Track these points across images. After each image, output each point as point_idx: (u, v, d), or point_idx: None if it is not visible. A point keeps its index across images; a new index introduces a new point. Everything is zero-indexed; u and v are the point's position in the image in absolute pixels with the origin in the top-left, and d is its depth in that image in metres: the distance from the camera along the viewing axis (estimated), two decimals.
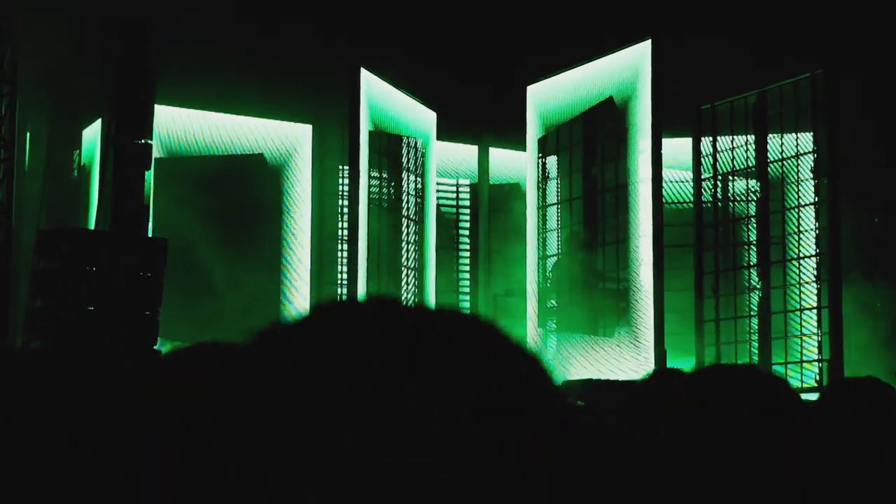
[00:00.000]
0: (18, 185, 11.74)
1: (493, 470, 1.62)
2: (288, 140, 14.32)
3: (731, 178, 13.36)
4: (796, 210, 12.62)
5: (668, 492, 2.02)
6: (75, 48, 12.23)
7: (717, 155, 13.36)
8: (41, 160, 13.59)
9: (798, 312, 12.47)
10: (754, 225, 13.09)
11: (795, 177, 12.67)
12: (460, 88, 14.17)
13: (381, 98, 13.19)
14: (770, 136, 12.93)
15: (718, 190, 13.36)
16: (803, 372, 12.28)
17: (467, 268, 15.40)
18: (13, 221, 11.34)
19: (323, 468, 1.72)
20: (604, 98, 13.24)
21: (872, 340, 12.68)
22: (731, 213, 13.40)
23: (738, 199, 13.37)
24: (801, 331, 12.43)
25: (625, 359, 12.62)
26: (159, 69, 11.75)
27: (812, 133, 12.48)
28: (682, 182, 14.24)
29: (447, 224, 15.27)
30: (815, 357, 12.19)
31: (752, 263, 13.03)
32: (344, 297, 13.78)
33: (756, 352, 12.77)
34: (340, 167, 14.25)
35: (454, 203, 15.43)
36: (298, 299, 14.18)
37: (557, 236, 13.84)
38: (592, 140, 13.52)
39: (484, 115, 14.85)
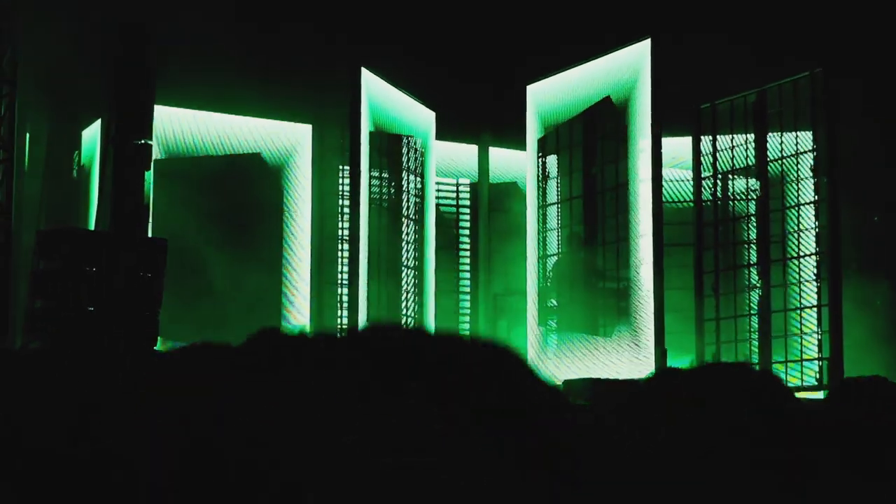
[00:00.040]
0: (18, 185, 11.73)
1: (493, 470, 1.62)
2: (288, 140, 14.31)
3: (730, 176, 13.35)
4: (796, 209, 12.61)
5: (668, 492, 2.02)
6: (75, 48, 12.23)
7: (717, 154, 13.35)
8: (41, 160, 13.58)
9: (798, 311, 12.47)
10: (754, 223, 13.08)
11: (795, 175, 12.66)
12: (460, 88, 14.17)
13: (381, 98, 13.19)
14: (770, 134, 12.92)
15: (718, 189, 13.35)
16: (803, 370, 12.28)
17: (468, 267, 15.39)
18: (13, 222, 11.33)
19: (323, 468, 1.72)
20: (603, 97, 13.23)
21: (871, 337, 12.68)
22: (730, 212, 13.39)
23: (737, 197, 13.36)
24: (800, 329, 12.42)
25: (625, 357, 12.61)
26: (159, 69, 11.73)
27: (811, 132, 12.47)
28: (682, 181, 14.22)
29: (447, 224, 15.26)
30: (815, 355, 12.19)
31: (751, 262, 13.02)
32: (345, 297, 13.78)
33: (756, 350, 12.76)
34: (340, 167, 14.24)
35: (454, 203, 15.42)
36: (298, 299, 14.17)
37: (557, 235, 13.83)
38: (592, 139, 13.51)
39: (484, 114, 14.84)
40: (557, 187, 13.89)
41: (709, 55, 12.96)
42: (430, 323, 14.13)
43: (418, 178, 14.05)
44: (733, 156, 13.24)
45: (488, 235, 15.34)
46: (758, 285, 12.86)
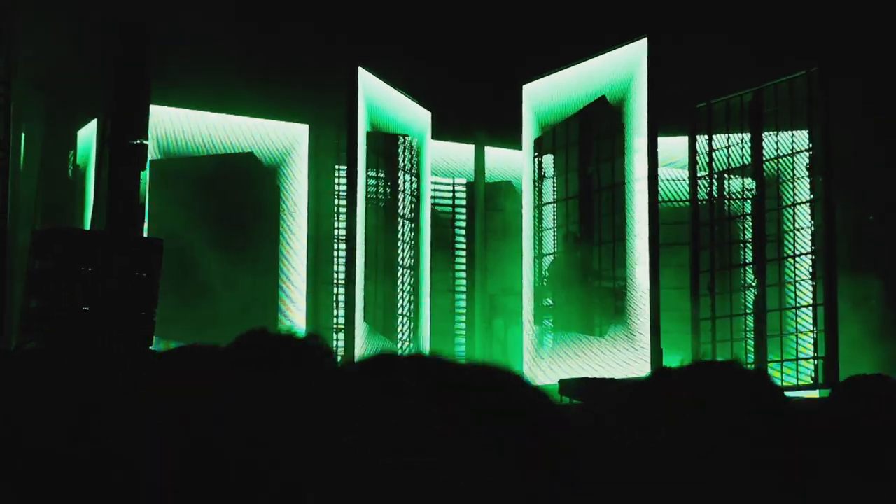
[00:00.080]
0: (13, 185, 11.72)
1: (493, 470, 1.62)
2: (284, 140, 14.31)
3: (726, 176, 13.37)
4: (792, 208, 12.64)
5: (668, 492, 2.02)
6: (71, 48, 12.22)
7: (713, 153, 13.37)
8: (36, 160, 13.58)
9: (793, 310, 12.49)
10: (750, 223, 13.10)
11: (791, 174, 12.68)
12: (456, 87, 14.17)
13: (377, 97, 13.19)
14: (765, 133, 12.94)
15: (714, 188, 13.37)
16: (799, 369, 12.30)
17: (464, 266, 15.41)
18: (8, 222, 11.32)
19: (323, 468, 1.72)
20: (599, 97, 13.24)
21: (866, 336, 12.71)
22: (726, 212, 13.41)
23: (733, 197, 13.38)
24: (796, 328, 12.45)
25: (621, 357, 12.62)
26: (155, 69, 11.73)
27: (807, 131, 12.49)
28: (678, 180, 14.24)
29: (443, 223, 15.27)
30: (811, 354, 12.21)
31: (747, 261, 13.04)
32: (341, 297, 13.79)
33: (752, 350, 12.78)
34: (337, 167, 14.25)
35: (450, 202, 15.43)
36: (295, 298, 14.17)
37: (554, 235, 13.84)
38: (588, 139, 13.53)
39: (480, 114, 14.85)
40: (553, 187, 13.90)
41: (706, 55, 12.98)
42: (427, 323, 14.14)
43: (414, 178, 14.06)
44: (729, 155, 13.26)
45: (484, 235, 15.35)
46: (753, 284, 12.88)
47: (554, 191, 13.89)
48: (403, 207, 13.85)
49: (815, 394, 12.11)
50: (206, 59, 12.90)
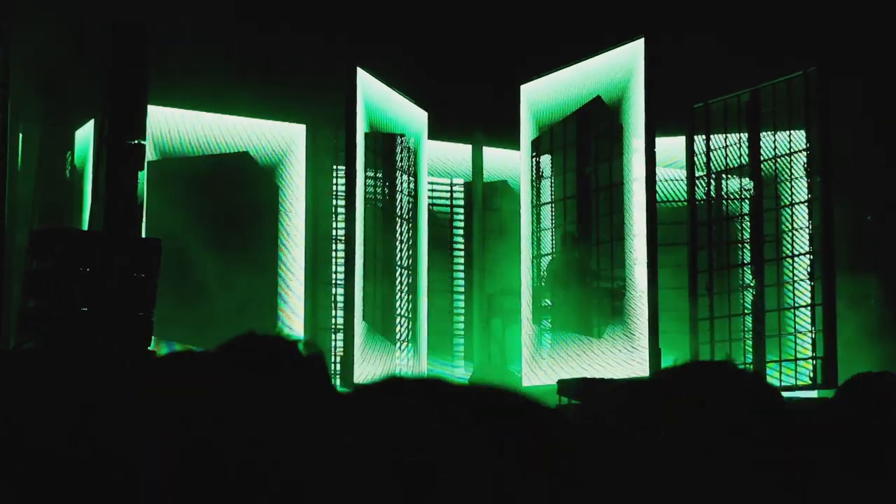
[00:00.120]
0: (11, 185, 11.72)
1: (493, 470, 1.62)
2: (282, 140, 14.31)
3: (724, 176, 13.38)
4: (790, 208, 12.64)
5: (668, 492, 2.02)
6: (68, 48, 12.21)
7: (711, 153, 13.37)
8: (34, 160, 13.58)
9: (792, 310, 12.50)
10: (748, 223, 13.11)
11: (789, 174, 12.69)
12: (454, 87, 14.17)
13: (375, 98, 13.19)
14: (763, 133, 12.95)
15: (712, 188, 13.37)
16: (797, 369, 12.31)
17: (462, 267, 15.41)
18: (6, 222, 11.32)
19: (323, 468, 1.72)
20: (597, 97, 13.25)
21: (865, 336, 12.72)
22: (724, 211, 13.42)
23: (731, 197, 13.39)
24: (794, 328, 12.45)
25: (620, 357, 12.63)
26: (153, 69, 11.72)
27: (805, 131, 12.50)
28: (676, 180, 14.25)
29: (441, 223, 15.27)
30: (809, 355, 12.22)
31: (745, 261, 13.04)
32: (339, 297, 13.79)
33: (750, 350, 12.79)
34: (335, 167, 14.25)
35: (448, 202, 15.44)
36: (293, 299, 14.17)
37: (552, 235, 13.84)
38: (586, 139, 13.53)
39: (478, 114, 14.85)
40: (551, 187, 13.91)
41: (704, 54, 12.98)
42: (425, 323, 14.14)
43: (411, 178, 14.06)
44: (727, 155, 13.26)
45: (482, 235, 15.36)
46: (752, 284, 12.88)
47: (552, 191, 13.90)
48: (401, 208, 13.85)
49: (813, 394, 12.12)
50: (204, 59, 12.89)
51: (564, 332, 13.40)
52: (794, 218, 12.60)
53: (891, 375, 3.09)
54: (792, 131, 12.65)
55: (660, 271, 12.52)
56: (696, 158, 13.47)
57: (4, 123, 11.26)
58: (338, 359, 13.38)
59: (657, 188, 12.86)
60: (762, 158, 12.93)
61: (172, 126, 13.63)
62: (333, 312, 14.01)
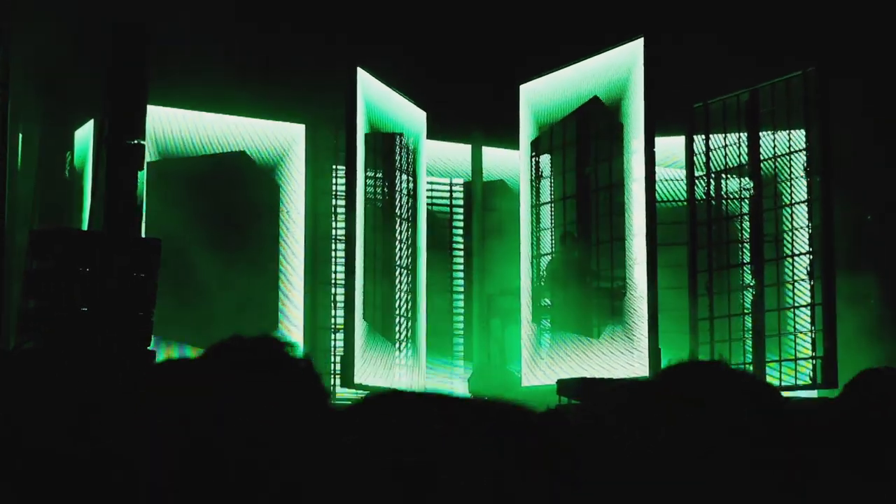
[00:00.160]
0: (11, 185, 11.72)
1: (493, 470, 1.62)
2: (281, 140, 14.31)
3: (724, 175, 13.38)
4: (789, 207, 12.64)
5: (668, 492, 2.02)
6: (68, 48, 12.21)
7: (710, 153, 13.37)
8: (34, 160, 13.57)
9: (792, 310, 12.50)
10: (748, 223, 13.11)
11: (788, 174, 12.69)
12: (454, 87, 14.17)
13: (374, 98, 13.19)
14: (762, 133, 12.95)
15: (711, 188, 13.37)
16: (797, 369, 12.31)
17: (461, 267, 15.41)
18: (6, 222, 11.32)
19: (323, 468, 1.72)
20: (596, 97, 13.25)
21: (864, 335, 12.72)
22: (724, 211, 13.41)
23: (731, 196, 13.39)
24: (794, 328, 12.45)
25: (619, 357, 12.63)
26: (152, 69, 11.71)
27: (804, 130, 12.50)
28: (676, 180, 14.25)
29: (441, 223, 15.27)
30: (809, 354, 12.22)
31: (745, 261, 13.04)
32: (339, 297, 13.79)
33: (750, 350, 12.79)
34: (334, 167, 14.25)
35: (447, 202, 15.44)
36: (293, 299, 14.17)
37: (551, 235, 13.84)
38: (586, 139, 13.53)
39: (477, 114, 14.85)
40: (551, 187, 13.91)
41: (703, 54, 12.98)
42: (424, 323, 14.14)
43: (410, 178, 14.06)
44: (726, 155, 13.26)
45: (482, 235, 15.36)
46: (751, 284, 12.88)
47: (551, 191, 13.90)
48: (400, 207, 13.85)
49: (813, 394, 12.13)
50: (204, 59, 12.89)
51: (564, 332, 13.39)
52: (794, 218, 12.60)
53: (890, 371, 3.08)
54: (791, 131, 12.65)
55: (659, 271, 12.52)
56: (695, 158, 13.47)
57: (4, 123, 11.26)
58: (338, 359, 13.38)
59: (657, 188, 12.86)
60: (762, 158, 12.93)
61: (172, 126, 13.63)
62: (333, 312, 14.00)
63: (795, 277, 12.52)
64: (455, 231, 15.45)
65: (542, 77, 13.87)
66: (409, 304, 13.86)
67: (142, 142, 11.21)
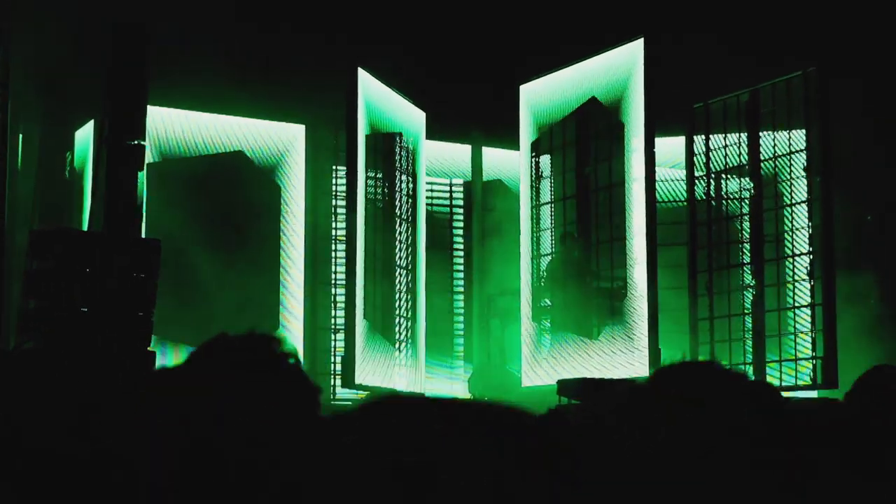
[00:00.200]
0: (11, 185, 11.72)
1: (493, 470, 1.62)
2: (281, 140, 14.30)
3: (724, 176, 13.38)
4: (789, 208, 12.64)
5: (668, 492, 2.02)
6: (68, 48, 12.21)
7: (710, 153, 13.37)
8: (34, 161, 13.57)
9: (792, 310, 12.50)
10: (748, 223, 13.10)
11: (788, 174, 12.69)
12: (454, 87, 14.17)
13: (374, 98, 13.19)
14: (762, 133, 12.95)
15: (712, 188, 13.37)
16: (797, 369, 12.30)
17: (461, 267, 15.41)
18: (6, 222, 11.32)
19: (323, 468, 1.72)
20: (596, 97, 13.25)
21: (864, 335, 12.72)
22: (724, 211, 13.41)
23: (731, 197, 13.38)
24: (794, 328, 12.45)
25: (619, 357, 12.63)
26: (152, 69, 11.71)
27: (804, 130, 12.49)
28: (676, 180, 14.25)
29: (441, 223, 15.27)
30: (809, 354, 12.22)
31: (745, 261, 13.04)
32: (339, 297, 13.79)
33: (750, 350, 12.78)
34: (334, 167, 14.25)
35: (447, 202, 15.43)
36: (293, 300, 14.17)
37: (551, 235, 13.84)
38: (585, 139, 13.53)
39: (477, 114, 14.85)
40: (551, 187, 13.91)
41: (703, 54, 12.98)
42: (424, 323, 14.14)
43: (410, 178, 14.05)
44: (726, 155, 13.26)
45: (481, 235, 15.35)
46: (751, 284, 12.88)
47: (551, 191, 13.90)
48: (400, 207, 13.85)
49: (813, 394, 12.12)
50: (204, 59, 12.89)
51: (564, 333, 13.39)
52: (794, 218, 12.60)
53: (890, 368, 3.08)
54: (792, 131, 12.65)
55: (659, 271, 12.52)
56: (695, 158, 13.46)
57: (4, 123, 11.25)
58: (338, 359, 13.38)
59: (657, 188, 12.86)
60: (762, 158, 12.93)
61: (173, 127, 13.62)
62: (333, 312, 14.00)
63: (795, 277, 12.51)
64: (455, 231, 15.45)
65: (542, 77, 13.87)
66: (409, 305, 13.86)
67: (142, 142, 11.20)
